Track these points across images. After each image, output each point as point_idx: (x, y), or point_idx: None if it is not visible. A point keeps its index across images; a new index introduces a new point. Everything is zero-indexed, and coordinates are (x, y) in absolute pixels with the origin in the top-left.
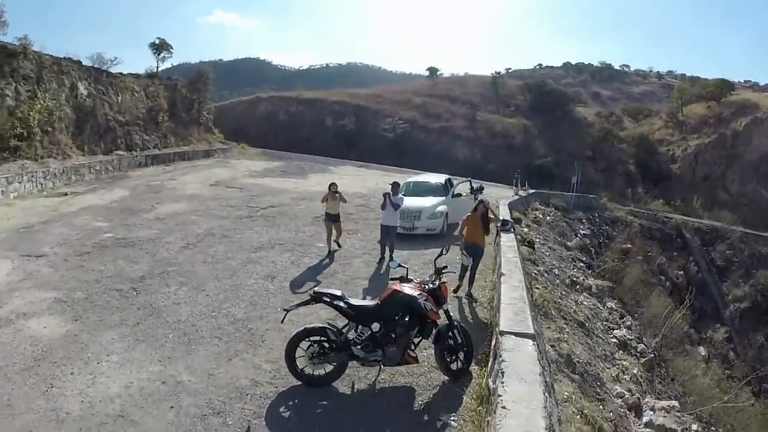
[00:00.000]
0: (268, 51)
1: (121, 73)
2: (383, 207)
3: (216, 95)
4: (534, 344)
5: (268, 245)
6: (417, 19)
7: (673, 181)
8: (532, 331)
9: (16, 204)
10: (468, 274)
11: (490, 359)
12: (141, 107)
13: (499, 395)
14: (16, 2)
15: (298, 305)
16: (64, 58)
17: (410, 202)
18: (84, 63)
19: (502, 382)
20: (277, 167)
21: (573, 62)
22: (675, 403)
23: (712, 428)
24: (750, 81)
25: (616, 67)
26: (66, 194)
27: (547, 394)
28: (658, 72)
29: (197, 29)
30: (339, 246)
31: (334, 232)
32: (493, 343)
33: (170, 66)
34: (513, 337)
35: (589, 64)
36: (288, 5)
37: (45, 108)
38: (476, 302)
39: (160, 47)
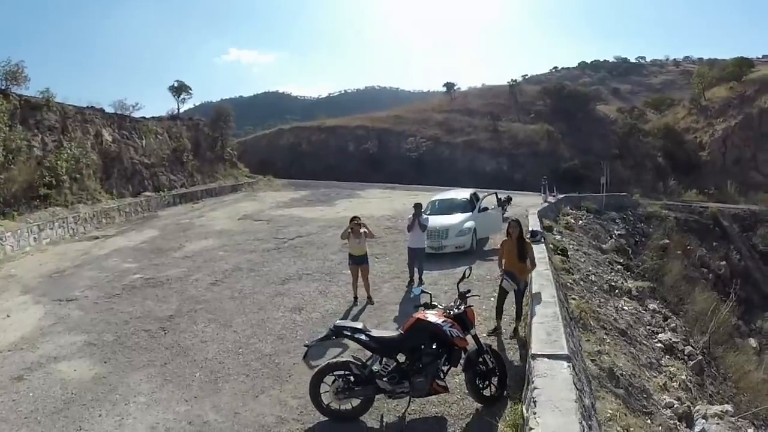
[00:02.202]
0: (287, 83)
1: (143, 117)
2: (409, 229)
3: (239, 131)
4: (569, 366)
5: (296, 276)
6: (430, 37)
7: (704, 168)
8: (566, 352)
9: (48, 250)
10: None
11: (524, 384)
12: (165, 149)
13: (531, 428)
14: (36, 56)
15: (320, 340)
16: (87, 107)
17: (436, 220)
18: (107, 110)
19: (535, 413)
20: (303, 197)
21: (588, 61)
22: (728, 407)
23: None
24: None
25: (632, 60)
26: (97, 238)
27: (584, 424)
28: (675, 59)
29: (215, 68)
30: (371, 301)
31: (360, 278)
32: (527, 365)
33: (192, 106)
34: (546, 360)
35: (605, 60)
36: (302, 37)
37: (72, 156)
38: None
39: (179, 89)
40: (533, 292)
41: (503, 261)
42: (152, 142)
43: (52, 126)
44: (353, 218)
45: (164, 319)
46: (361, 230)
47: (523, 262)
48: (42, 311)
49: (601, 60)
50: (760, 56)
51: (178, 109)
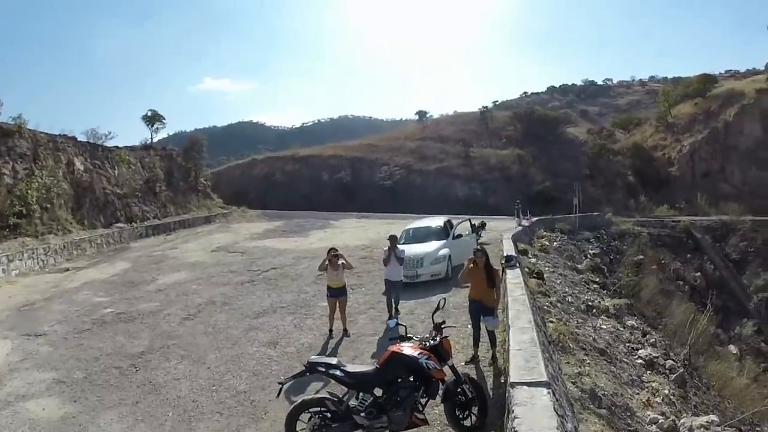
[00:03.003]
0: (261, 113)
1: (116, 147)
2: (386, 263)
3: (213, 161)
4: (548, 392)
5: (270, 310)
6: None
7: (674, 184)
8: (545, 378)
9: (18, 282)
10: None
11: (505, 413)
12: (138, 179)
13: None
14: (5, 80)
15: (293, 377)
16: (59, 135)
17: (411, 249)
18: (79, 138)
19: None
20: (277, 227)
21: (557, 85)
22: (714, 417)
23: (757, 428)
24: (731, 70)
25: (599, 82)
26: (68, 269)
27: None
28: (640, 80)
29: (189, 98)
30: (347, 334)
31: (338, 310)
32: (506, 393)
33: (166, 136)
34: (525, 387)
35: (573, 84)
36: (277, 66)
37: (43, 185)
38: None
39: (152, 119)
40: (510, 318)
41: (470, 290)
42: (125, 172)
43: (23, 153)
44: (330, 249)
45: (136, 355)
46: (339, 261)
47: (492, 288)
48: (9, 346)
49: (569, 84)
50: (723, 72)
51: (152, 138)
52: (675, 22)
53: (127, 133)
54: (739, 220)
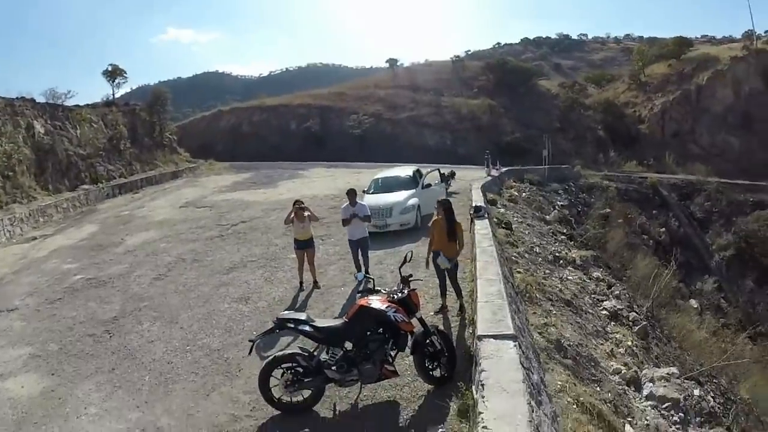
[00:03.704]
0: (227, 63)
1: (77, 105)
2: (345, 223)
3: (179, 114)
4: (515, 345)
5: (240, 264)
6: (372, 12)
7: (643, 141)
8: (512, 331)
9: None
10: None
11: (473, 365)
12: (101, 138)
13: (480, 412)
14: None
15: (263, 334)
16: (17, 98)
17: (380, 198)
18: (38, 100)
19: (483, 396)
20: (246, 179)
21: (531, 37)
22: (674, 369)
23: (714, 380)
24: (707, 35)
25: (574, 37)
26: (35, 238)
27: (533, 403)
28: (615, 37)
29: (153, 49)
30: (317, 285)
31: (306, 262)
32: (474, 346)
33: (129, 90)
34: (492, 340)
35: (547, 37)
36: (242, 14)
37: (3, 153)
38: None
39: (113, 73)
40: (477, 269)
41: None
42: (87, 132)
43: None
44: (295, 202)
45: (108, 321)
46: (305, 214)
47: (453, 241)
48: None
49: (544, 36)
50: (699, 36)
51: (113, 94)
52: None
53: (89, 90)
54: (706, 180)
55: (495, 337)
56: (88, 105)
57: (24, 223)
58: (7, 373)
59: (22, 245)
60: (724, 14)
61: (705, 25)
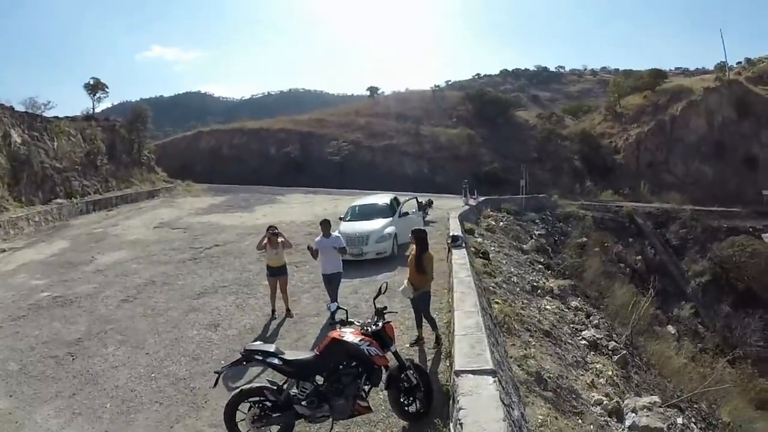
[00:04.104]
0: (209, 83)
1: (56, 117)
2: (316, 255)
3: (159, 132)
4: (494, 381)
5: (212, 289)
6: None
7: (619, 171)
8: (491, 366)
9: None
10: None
11: (450, 401)
12: (78, 152)
13: None
14: None
15: (230, 365)
16: None
17: (357, 226)
18: (16, 109)
19: None
20: (222, 202)
21: (510, 69)
22: (656, 398)
23: (695, 406)
24: (681, 67)
25: (552, 69)
26: (3, 251)
27: None
28: (592, 69)
29: (136, 66)
30: (290, 314)
31: (278, 290)
32: (451, 381)
33: (110, 105)
34: (470, 376)
35: (526, 69)
36: (228, 36)
37: None
38: (442, 347)
39: (95, 87)
40: (455, 300)
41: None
42: (64, 144)
43: None
44: (269, 227)
45: (72, 342)
46: (278, 240)
47: (421, 273)
48: None
49: (522, 68)
50: (673, 68)
51: (93, 108)
52: (629, 16)
53: (69, 102)
54: (680, 208)
55: (474, 372)
56: (67, 117)
57: None
58: None
59: None
60: (698, 46)
61: (679, 57)
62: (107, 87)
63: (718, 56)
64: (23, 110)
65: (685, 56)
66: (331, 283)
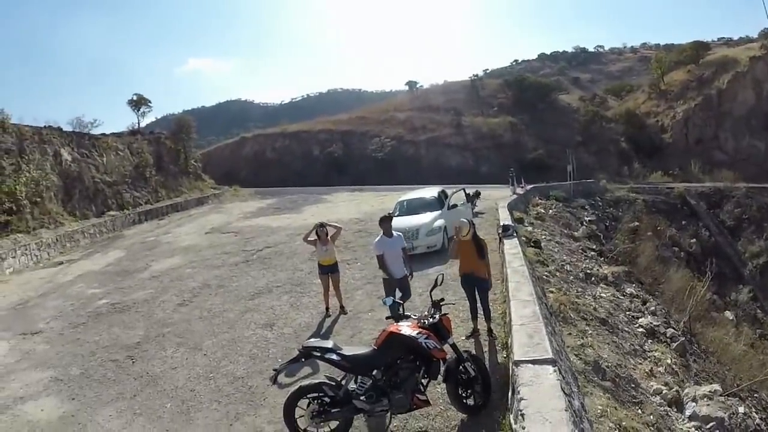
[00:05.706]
0: (249, 90)
1: (103, 134)
2: (384, 265)
3: (203, 141)
4: (555, 370)
5: (266, 290)
6: (390, 36)
7: (667, 150)
8: (550, 355)
9: (12, 280)
10: (481, 309)
11: (509, 392)
12: (127, 165)
13: None
14: None
15: (288, 363)
16: (45, 126)
17: (406, 220)
18: (65, 129)
19: (523, 427)
20: (270, 205)
21: (548, 52)
22: (716, 386)
23: (755, 395)
24: (724, 38)
25: (591, 49)
26: (62, 263)
27: None
28: (632, 47)
29: (175, 80)
30: (344, 311)
31: (331, 287)
32: (510, 372)
33: (153, 119)
34: (530, 365)
35: (564, 51)
36: (262, 43)
37: (31, 179)
38: (497, 339)
39: (138, 103)
40: (510, 290)
41: (461, 264)
42: (113, 159)
43: (8, 149)
44: (319, 226)
45: (132, 346)
46: (326, 230)
47: (483, 259)
48: (6, 347)
49: (560, 51)
50: (716, 39)
51: (139, 123)
52: None
53: (114, 119)
54: (734, 186)
55: (533, 362)
56: (113, 133)
57: (51, 248)
58: (27, 396)
59: (49, 269)
60: (740, 13)
61: (722, 26)
62: (150, 102)
63: (762, 23)
64: (71, 130)
65: (728, 25)
66: (402, 288)
